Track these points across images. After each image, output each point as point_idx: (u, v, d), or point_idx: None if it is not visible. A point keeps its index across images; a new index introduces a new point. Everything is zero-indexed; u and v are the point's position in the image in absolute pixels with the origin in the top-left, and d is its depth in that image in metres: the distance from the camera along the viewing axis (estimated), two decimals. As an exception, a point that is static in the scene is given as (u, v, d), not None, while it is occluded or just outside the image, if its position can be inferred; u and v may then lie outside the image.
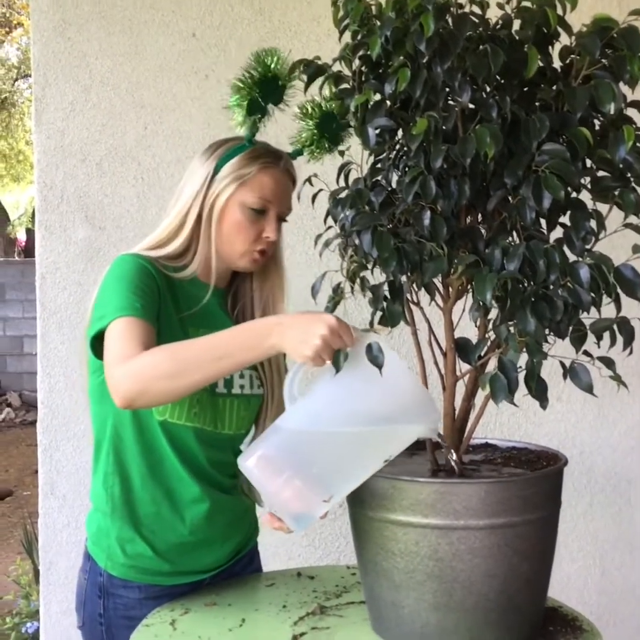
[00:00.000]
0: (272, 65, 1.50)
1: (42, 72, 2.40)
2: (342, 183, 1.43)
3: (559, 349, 1.30)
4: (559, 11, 1.24)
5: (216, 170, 1.61)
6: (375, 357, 1.28)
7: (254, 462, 1.34)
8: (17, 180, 14.45)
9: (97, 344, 1.51)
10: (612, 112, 1.21)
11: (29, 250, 14.01)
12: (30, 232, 14.55)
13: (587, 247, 1.27)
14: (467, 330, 1.40)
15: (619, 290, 1.24)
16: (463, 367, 1.42)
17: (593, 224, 1.27)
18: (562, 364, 1.29)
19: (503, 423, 2.42)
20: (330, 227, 1.42)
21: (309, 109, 1.57)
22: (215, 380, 1.47)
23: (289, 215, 1.66)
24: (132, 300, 1.48)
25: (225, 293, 1.70)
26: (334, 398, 1.33)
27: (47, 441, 2.42)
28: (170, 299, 1.58)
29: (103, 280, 1.57)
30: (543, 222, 1.32)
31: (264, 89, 1.52)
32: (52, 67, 2.40)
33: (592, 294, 1.22)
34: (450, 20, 1.24)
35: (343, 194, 1.37)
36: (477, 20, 1.28)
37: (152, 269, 1.56)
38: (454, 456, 1.38)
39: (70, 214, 2.42)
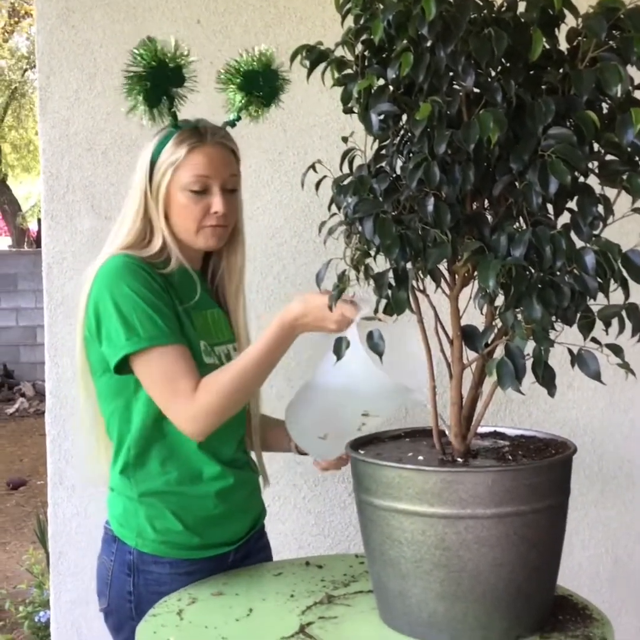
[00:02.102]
0: (154, 54, 1.55)
1: (47, 61, 2.38)
2: (346, 170, 1.41)
3: (568, 336, 1.29)
4: (565, -8, 1.22)
5: (152, 162, 1.67)
6: (375, 345, 1.28)
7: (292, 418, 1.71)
8: (28, 171, 14.48)
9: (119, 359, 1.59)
10: (619, 94, 1.19)
11: (40, 241, 14.03)
12: (41, 223, 14.57)
13: (595, 232, 1.25)
14: (474, 318, 1.38)
15: (626, 276, 1.23)
16: (470, 355, 1.40)
17: (600, 209, 1.25)
18: (570, 351, 1.27)
19: (513, 411, 2.40)
20: (334, 214, 1.41)
21: (226, 75, 1.67)
22: None
23: (237, 183, 1.72)
24: (160, 324, 1.58)
25: (201, 273, 1.77)
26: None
27: (56, 431, 2.42)
28: (173, 296, 1.65)
29: (108, 288, 1.60)
30: (550, 207, 1.31)
31: (155, 78, 1.57)
32: (56, 55, 2.38)
33: (599, 280, 1.21)
34: (453, 3, 1.22)
35: (346, 181, 1.36)
36: (480, 3, 1.26)
37: (151, 272, 1.62)
38: (453, 439, 1.37)
39: (76, 204, 2.41)
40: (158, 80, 1.58)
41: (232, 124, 1.74)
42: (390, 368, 1.44)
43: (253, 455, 1.81)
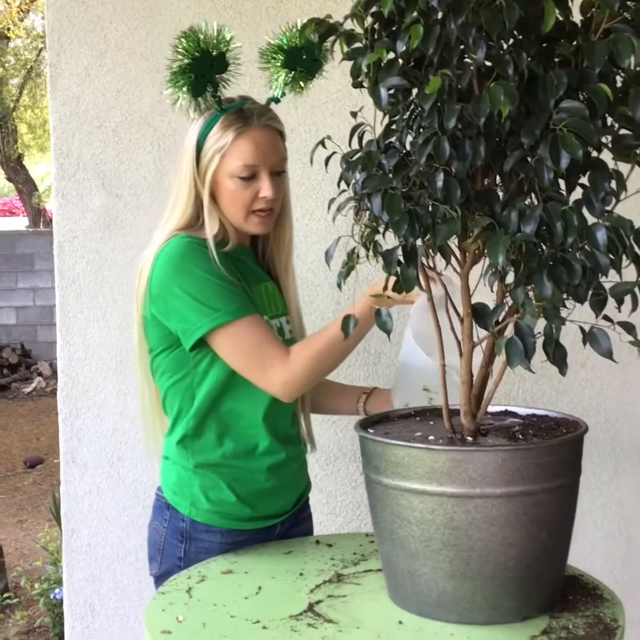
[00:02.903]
0: (197, 45, 1.54)
1: (57, 37, 2.37)
2: (355, 145, 1.39)
3: (581, 313, 1.27)
4: (579, -38, 1.19)
5: (199, 146, 1.66)
6: (384, 323, 1.27)
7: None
8: (43, 151, 14.48)
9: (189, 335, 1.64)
10: (632, 66, 1.16)
11: (57, 220, 14.02)
12: (57, 202, 14.57)
13: (607, 208, 1.23)
14: (486, 296, 1.37)
15: (639, 252, 1.20)
16: (481, 333, 1.39)
17: (613, 184, 1.22)
18: (582, 329, 1.25)
19: (526, 390, 2.39)
20: (343, 190, 1.39)
21: (269, 54, 1.64)
22: None
23: (284, 165, 1.71)
24: (236, 297, 1.63)
25: (251, 249, 1.79)
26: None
27: (67, 410, 2.43)
28: (235, 272, 1.68)
29: (175, 269, 1.63)
30: (562, 183, 1.28)
31: (199, 67, 1.55)
32: (66, 32, 2.37)
33: (611, 257, 1.19)
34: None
35: (355, 157, 1.34)
36: (492, -26, 1.23)
37: (214, 251, 1.64)
38: (463, 418, 1.37)
39: (86, 182, 2.40)
40: (202, 70, 1.56)
41: (277, 100, 1.71)
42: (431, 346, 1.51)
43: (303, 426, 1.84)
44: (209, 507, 1.69)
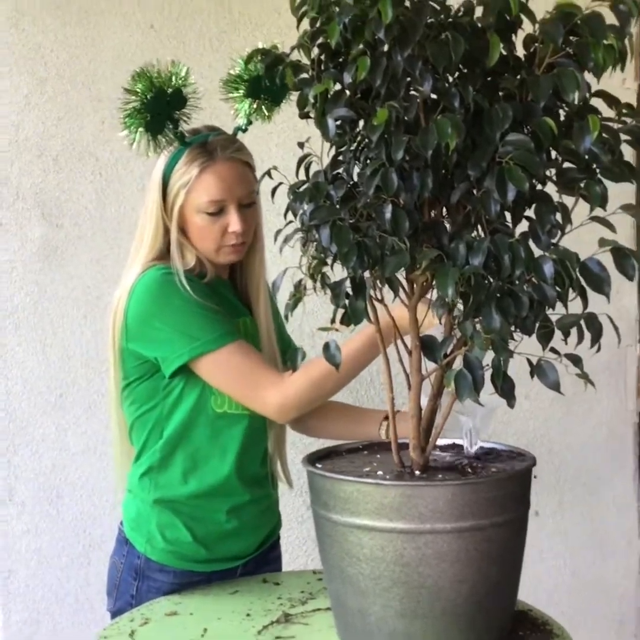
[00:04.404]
0: (150, 85, 1.51)
1: (-4, 65, 2.33)
2: (302, 176, 1.38)
3: (527, 346, 1.27)
4: (522, -3, 1.20)
5: (164, 181, 1.64)
6: (332, 356, 1.25)
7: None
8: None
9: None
10: (576, 101, 1.17)
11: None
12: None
13: (553, 241, 1.23)
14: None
15: (585, 285, 1.21)
16: (429, 366, 1.38)
17: (559, 217, 1.23)
18: (529, 362, 1.25)
19: (472, 421, 2.39)
20: (290, 221, 1.38)
21: (229, 85, 1.63)
22: None
23: (253, 197, 1.67)
24: (219, 324, 1.61)
25: (230, 281, 1.77)
26: None
27: (5, 446, 2.36)
28: (217, 303, 1.65)
29: (154, 300, 1.61)
30: (508, 216, 1.29)
31: (155, 106, 1.53)
32: (5, 59, 2.32)
33: (558, 289, 1.19)
34: (410, 7, 1.20)
35: (302, 188, 1.33)
36: (437, 7, 1.23)
37: (194, 281, 1.62)
38: (412, 452, 1.35)
39: (26, 211, 2.35)
40: (158, 108, 1.53)
41: (244, 130, 1.69)
42: None
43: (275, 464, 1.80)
44: (165, 546, 1.67)
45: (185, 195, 1.62)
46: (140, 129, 1.53)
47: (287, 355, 1.75)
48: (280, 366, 1.73)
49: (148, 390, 1.66)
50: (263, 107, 1.65)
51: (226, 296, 1.72)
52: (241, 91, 1.64)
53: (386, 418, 1.73)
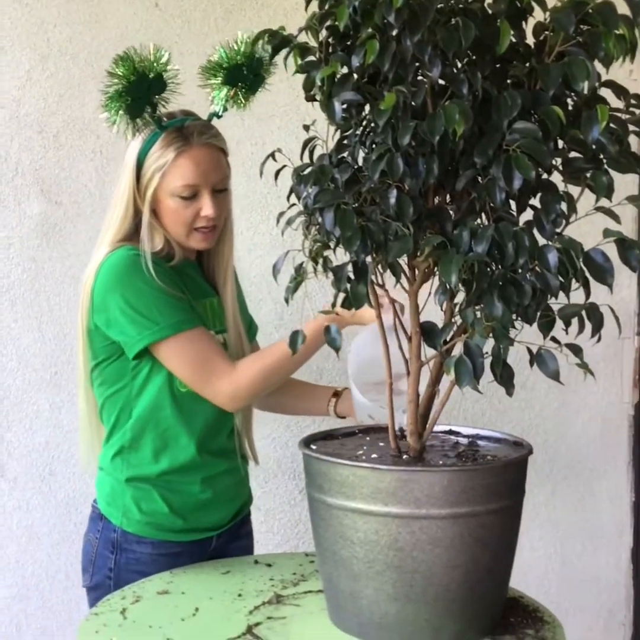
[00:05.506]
0: (133, 69, 1.52)
1: (-2, 39, 2.31)
2: (306, 159, 1.37)
3: (528, 334, 1.27)
4: (534, -16, 1.20)
5: (139, 163, 1.65)
6: (333, 340, 1.26)
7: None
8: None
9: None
10: (585, 90, 1.17)
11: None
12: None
13: (558, 230, 1.23)
14: (434, 314, 1.36)
15: (588, 275, 1.21)
16: (428, 352, 1.38)
17: (564, 206, 1.23)
18: (529, 350, 1.25)
19: (467, 410, 2.40)
20: (293, 204, 1.37)
21: (208, 71, 1.64)
22: None
23: (226, 183, 1.70)
24: (181, 310, 1.63)
25: (197, 263, 1.78)
26: None
27: (-2, 422, 2.35)
28: (183, 287, 1.67)
29: (119, 281, 1.62)
30: (513, 203, 1.28)
31: (136, 90, 1.54)
32: (8, 33, 2.30)
33: (561, 279, 1.19)
34: (421, -9, 1.19)
35: (306, 171, 1.32)
36: (448, -8, 1.23)
37: (159, 264, 1.63)
38: (409, 437, 1.35)
39: (25, 188, 2.34)
40: (139, 92, 1.55)
41: (219, 116, 1.70)
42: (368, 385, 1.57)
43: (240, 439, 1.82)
44: (141, 518, 1.68)
45: (160, 179, 1.63)
46: (121, 112, 1.54)
47: (250, 333, 1.85)
48: (246, 343, 1.78)
49: (116, 371, 1.68)
50: (240, 94, 1.67)
51: (193, 277, 1.74)
52: (219, 78, 1.66)
53: (334, 394, 1.84)
